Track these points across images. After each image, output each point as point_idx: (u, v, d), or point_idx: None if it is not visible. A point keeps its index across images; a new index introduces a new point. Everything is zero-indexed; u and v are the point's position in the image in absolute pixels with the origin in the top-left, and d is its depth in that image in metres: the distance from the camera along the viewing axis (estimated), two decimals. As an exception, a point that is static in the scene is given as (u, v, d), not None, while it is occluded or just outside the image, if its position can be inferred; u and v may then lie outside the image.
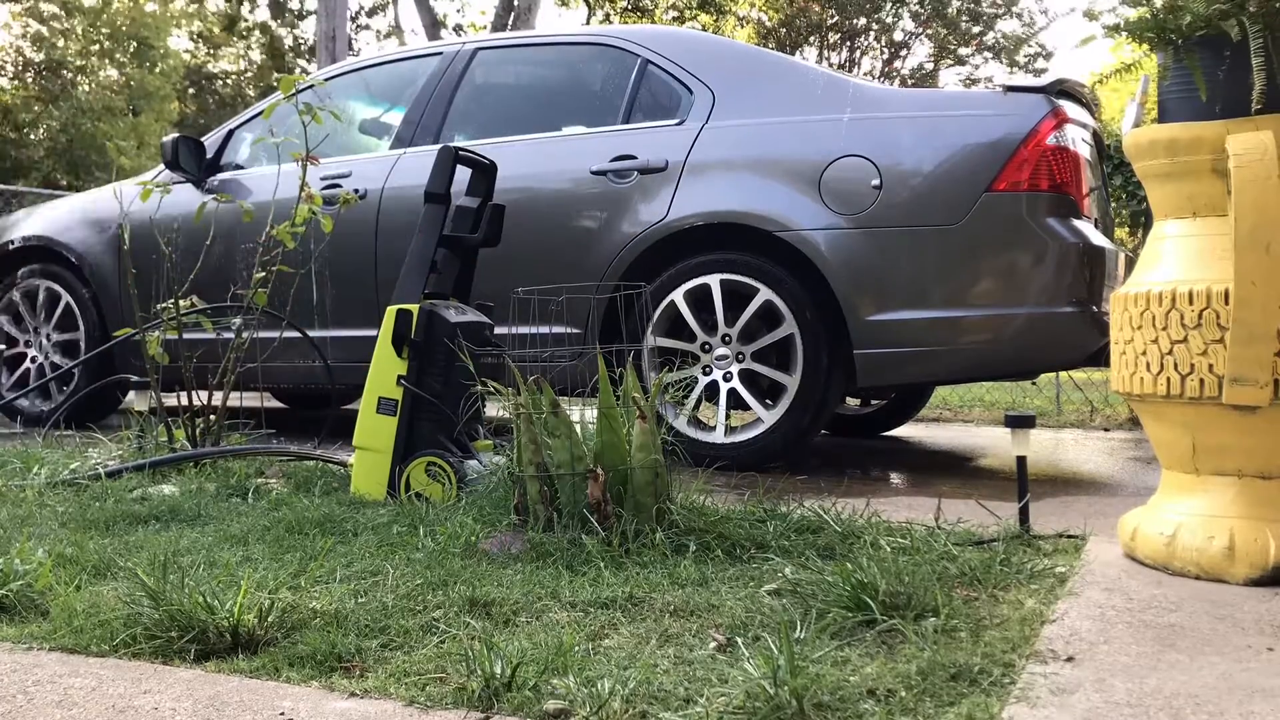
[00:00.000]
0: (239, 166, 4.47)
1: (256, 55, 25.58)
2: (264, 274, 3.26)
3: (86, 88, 21.60)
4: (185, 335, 3.31)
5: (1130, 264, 3.55)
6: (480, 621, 1.66)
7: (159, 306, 3.41)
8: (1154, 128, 2.09)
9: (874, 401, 4.87)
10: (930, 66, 21.53)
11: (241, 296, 3.31)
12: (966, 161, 3.26)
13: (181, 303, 3.29)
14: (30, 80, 21.43)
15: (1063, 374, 5.77)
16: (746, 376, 3.47)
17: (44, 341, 4.73)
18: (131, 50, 22.44)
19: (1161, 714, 1.29)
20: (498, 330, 3.05)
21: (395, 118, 4.36)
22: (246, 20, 24.36)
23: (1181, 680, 1.40)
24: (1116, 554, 2.12)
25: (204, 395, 3.34)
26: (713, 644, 1.55)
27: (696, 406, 3.52)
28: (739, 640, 1.52)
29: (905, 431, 5.06)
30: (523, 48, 4.34)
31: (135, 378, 3.55)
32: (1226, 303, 1.90)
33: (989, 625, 1.61)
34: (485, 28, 19.35)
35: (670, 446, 2.29)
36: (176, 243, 3.53)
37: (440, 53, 4.33)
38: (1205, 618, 1.69)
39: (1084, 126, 3.46)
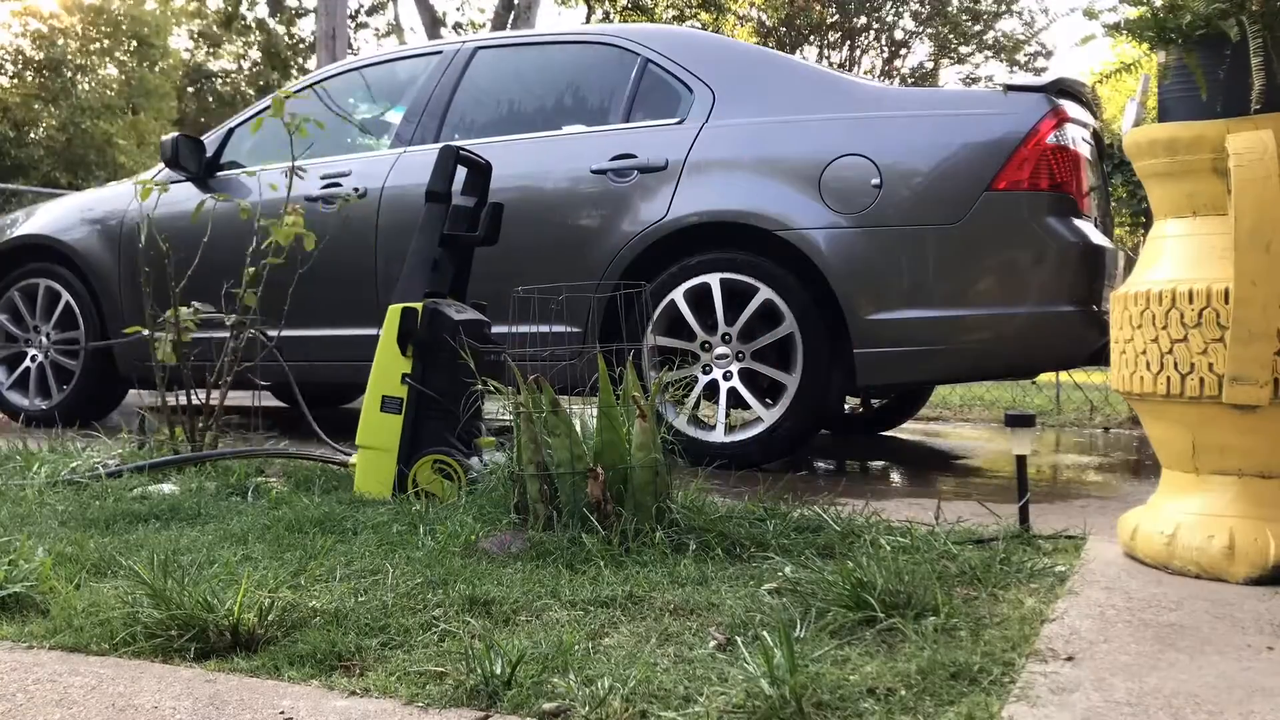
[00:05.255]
0: (239, 165, 4.47)
1: (255, 53, 25.57)
2: (254, 271, 3.25)
3: (86, 86, 21.59)
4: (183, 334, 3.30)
5: (1130, 263, 3.55)
6: (480, 620, 1.66)
7: (164, 316, 3.39)
8: (1154, 127, 2.09)
9: (874, 400, 4.87)
10: (930, 65, 21.54)
11: (235, 295, 3.31)
12: (966, 160, 3.26)
13: (184, 308, 3.29)
14: (30, 78, 21.41)
15: (1063, 373, 5.77)
16: (746, 375, 3.47)
17: (44, 340, 4.73)
18: (131, 48, 22.42)
19: (1161, 713, 1.29)
20: (497, 329, 3.05)
21: (395, 117, 4.36)
22: (244, 19, 24.34)
23: (1181, 679, 1.40)
24: (1116, 553, 2.12)
25: (203, 394, 3.33)
26: (712, 643, 1.55)
27: (696, 405, 3.52)
28: (739, 639, 1.52)
29: (905, 430, 5.06)
30: (523, 47, 4.34)
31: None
32: (1226, 302, 1.90)
33: (989, 624, 1.61)
34: (485, 26, 19.34)
35: (670, 445, 2.29)
36: (176, 241, 3.53)
37: (440, 51, 4.33)
38: (1205, 617, 1.69)
39: (1084, 126, 3.46)
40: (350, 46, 12.82)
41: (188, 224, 3.75)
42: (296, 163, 3.32)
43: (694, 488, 2.29)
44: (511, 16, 14.53)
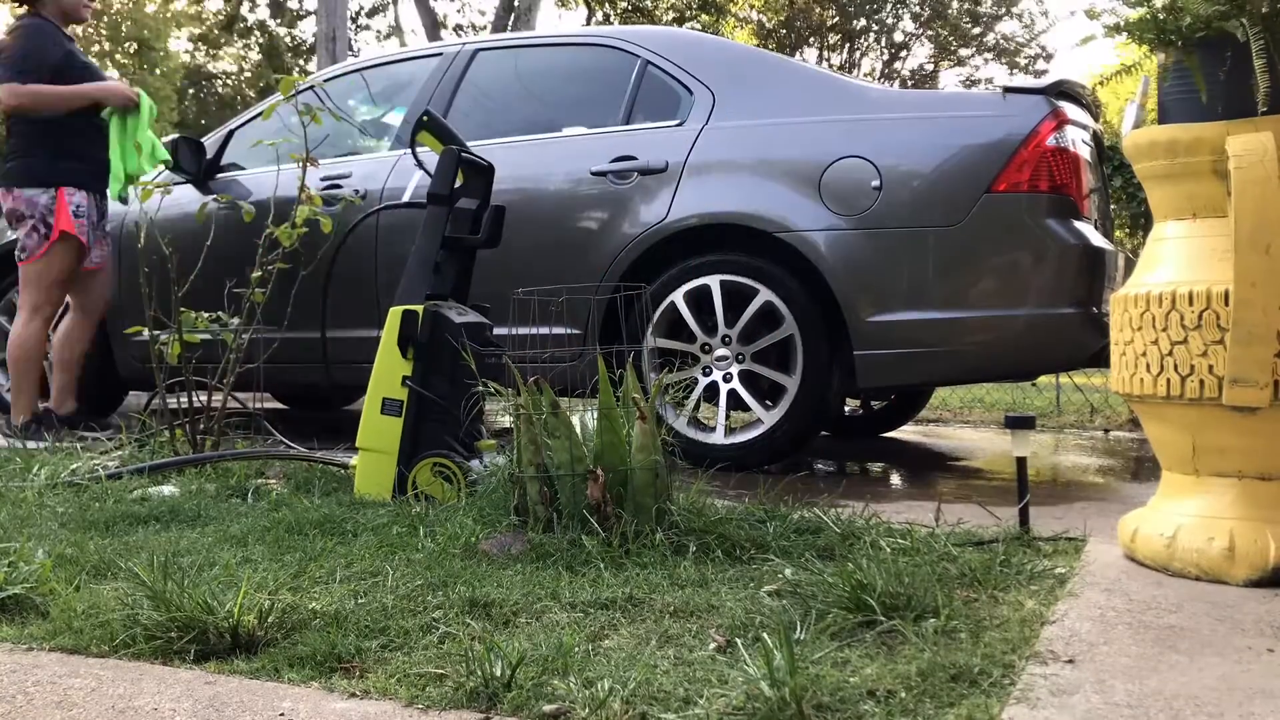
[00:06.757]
0: (240, 167, 4.47)
1: (255, 55, 25.58)
2: (261, 273, 3.26)
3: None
4: (189, 336, 3.30)
5: (1130, 265, 3.55)
6: (480, 622, 1.66)
7: (174, 324, 3.38)
8: (1154, 129, 2.09)
9: (874, 402, 4.87)
10: (930, 68, 21.55)
11: (239, 296, 3.31)
12: (966, 162, 3.26)
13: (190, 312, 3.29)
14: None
15: (1063, 375, 5.77)
16: (746, 377, 3.47)
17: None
18: (132, 51, 22.44)
19: (1161, 715, 1.29)
20: (498, 331, 3.05)
21: (395, 118, 4.36)
22: (245, 20, 24.34)
23: (1181, 681, 1.40)
24: (1116, 555, 2.12)
25: (204, 396, 3.34)
26: (712, 645, 1.55)
27: (696, 407, 3.52)
28: (739, 641, 1.52)
29: (905, 432, 5.05)
30: (523, 48, 4.34)
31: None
32: (1226, 304, 1.90)
33: (989, 626, 1.61)
34: (485, 28, 19.35)
35: (670, 447, 2.29)
36: (177, 242, 3.53)
37: (440, 53, 4.33)
38: (1205, 619, 1.69)
39: (1084, 128, 3.46)
40: (350, 48, 12.83)
41: (188, 226, 3.75)
42: (302, 153, 3.32)
43: (694, 490, 2.29)
44: (512, 19, 14.54)
